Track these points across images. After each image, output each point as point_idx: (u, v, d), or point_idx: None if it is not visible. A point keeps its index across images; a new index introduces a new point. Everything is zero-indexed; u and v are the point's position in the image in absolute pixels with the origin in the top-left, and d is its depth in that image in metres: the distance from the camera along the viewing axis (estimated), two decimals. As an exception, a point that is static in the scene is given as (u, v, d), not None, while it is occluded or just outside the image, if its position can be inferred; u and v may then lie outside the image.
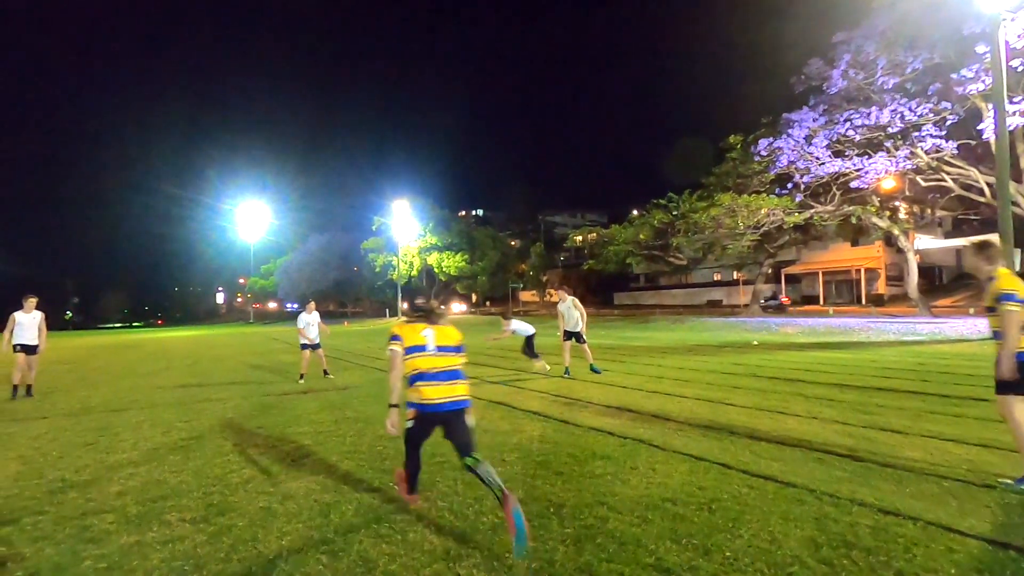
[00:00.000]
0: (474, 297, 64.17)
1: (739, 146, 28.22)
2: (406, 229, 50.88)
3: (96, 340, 31.86)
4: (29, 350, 8.59)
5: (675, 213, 31.04)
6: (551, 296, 9.55)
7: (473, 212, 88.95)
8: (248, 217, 65.00)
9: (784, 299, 37.24)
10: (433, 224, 53.28)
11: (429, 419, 3.12)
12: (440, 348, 3.15)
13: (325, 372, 10.01)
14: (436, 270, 53.61)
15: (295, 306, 61.81)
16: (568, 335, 9.17)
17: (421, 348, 3.12)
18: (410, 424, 3.16)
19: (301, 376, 9.53)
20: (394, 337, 3.18)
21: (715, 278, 49.64)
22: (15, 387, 8.41)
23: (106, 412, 7.06)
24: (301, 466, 4.32)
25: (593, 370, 9.09)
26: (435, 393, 3.05)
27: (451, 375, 3.12)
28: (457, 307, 58.10)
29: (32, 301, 8.74)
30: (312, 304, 10.18)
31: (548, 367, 9.64)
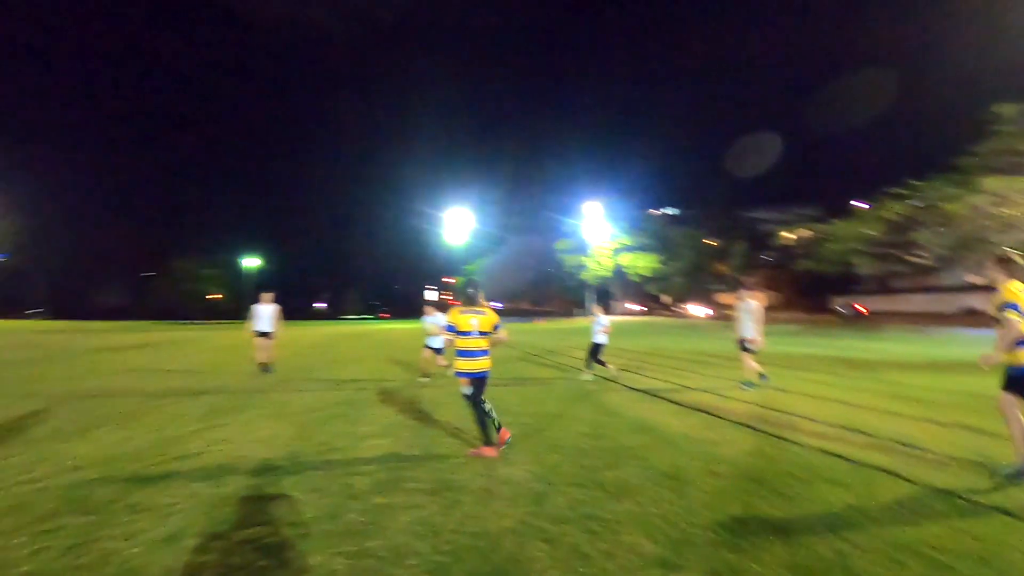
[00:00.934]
0: (665, 299, 61.88)
1: (1009, 118, 22.37)
2: (597, 230, 51.29)
3: (338, 329, 38.33)
4: (265, 335, 10.29)
5: (917, 204, 25.90)
6: (738, 299, 8.58)
7: (666, 211, 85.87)
8: (454, 222, 72.42)
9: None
10: (625, 224, 52.82)
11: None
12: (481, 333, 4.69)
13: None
14: (628, 270, 53.04)
15: (499, 305, 66.70)
16: (744, 342, 8.17)
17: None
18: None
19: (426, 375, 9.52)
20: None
21: (969, 281, 40.05)
22: (259, 364, 10.30)
23: (353, 389, 8.46)
24: (512, 454, 4.64)
25: (747, 385, 8.08)
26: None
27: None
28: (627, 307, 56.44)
29: (268, 296, 10.36)
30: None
31: (591, 377, 9.35)
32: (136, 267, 72.11)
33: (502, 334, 4.85)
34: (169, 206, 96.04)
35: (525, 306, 73.09)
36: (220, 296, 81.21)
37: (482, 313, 4.75)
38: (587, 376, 9.53)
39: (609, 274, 53.90)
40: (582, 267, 53.62)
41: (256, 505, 3.48)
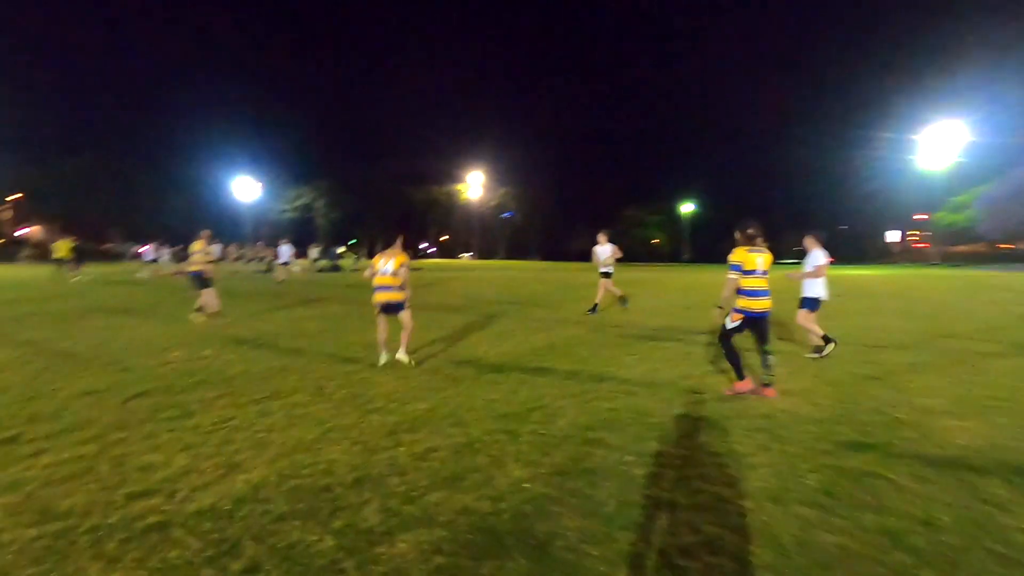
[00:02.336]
0: None
1: None
2: None
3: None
4: (605, 276, 10.84)
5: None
6: None
7: None
8: (934, 142, 56.79)
9: None
10: None
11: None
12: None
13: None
14: None
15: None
16: None
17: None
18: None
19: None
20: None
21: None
22: (595, 305, 10.94)
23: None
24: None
25: None
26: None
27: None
28: None
29: (603, 236, 10.85)
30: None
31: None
32: (599, 216, 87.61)
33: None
34: (622, 162, 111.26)
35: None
36: (657, 240, 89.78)
37: (765, 252, 4.94)
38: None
39: None
40: None
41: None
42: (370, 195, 73.58)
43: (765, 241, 5.00)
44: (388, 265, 6.16)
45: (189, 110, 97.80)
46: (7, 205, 54.94)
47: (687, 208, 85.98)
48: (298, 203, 72.68)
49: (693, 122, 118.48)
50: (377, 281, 6.18)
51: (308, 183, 72.30)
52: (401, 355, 6.28)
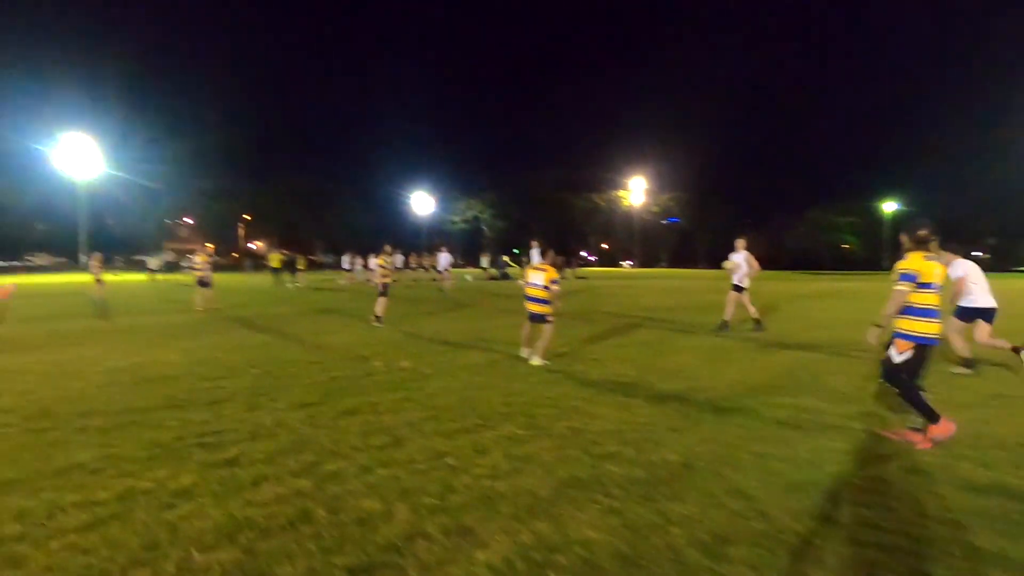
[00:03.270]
0: None
1: None
2: None
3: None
4: (738, 289, 9.57)
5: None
6: None
7: None
8: None
9: None
10: None
11: None
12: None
13: None
14: None
15: None
16: None
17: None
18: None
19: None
20: None
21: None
22: (725, 322, 9.47)
23: None
24: None
25: None
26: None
27: None
28: None
29: (740, 242, 9.75)
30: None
31: None
32: (773, 219, 78.36)
33: None
34: (805, 158, 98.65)
35: None
36: (849, 245, 77.93)
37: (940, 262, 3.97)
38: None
39: None
40: None
41: None
42: (533, 205, 75.16)
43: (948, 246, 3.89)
44: (538, 279, 6.62)
45: (379, 135, 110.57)
46: (241, 224, 66.48)
47: (888, 207, 73.53)
48: (468, 215, 76.99)
49: (900, 107, 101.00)
50: (528, 292, 6.73)
51: (476, 195, 76.27)
52: (535, 360, 6.64)
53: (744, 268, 9.53)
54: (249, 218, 66.39)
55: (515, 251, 69.02)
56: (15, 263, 54.09)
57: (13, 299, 12.41)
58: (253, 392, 5.38)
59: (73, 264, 52.04)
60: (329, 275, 31.71)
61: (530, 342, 6.88)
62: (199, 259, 14.54)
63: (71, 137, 46.35)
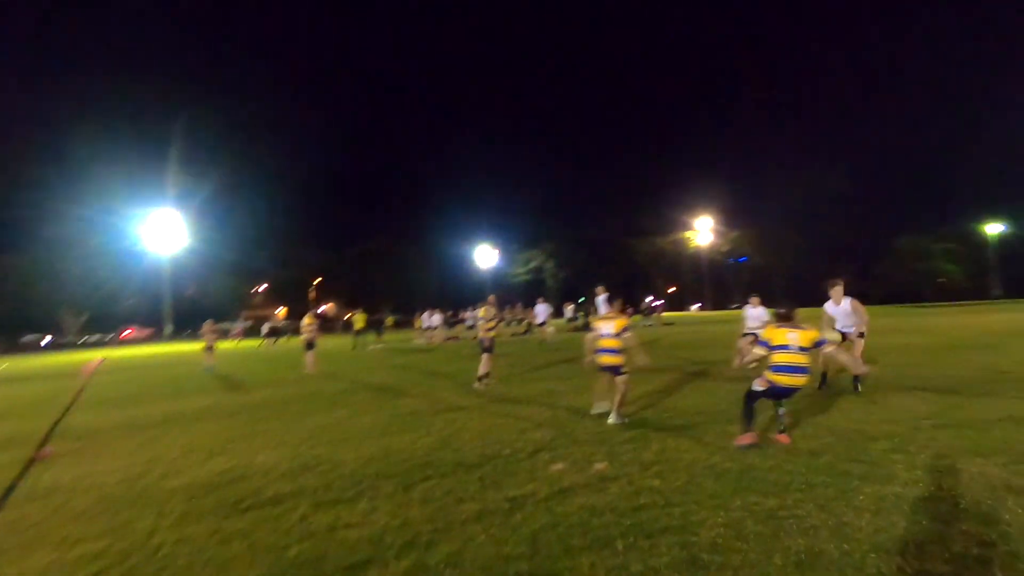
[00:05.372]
0: None
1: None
2: None
3: None
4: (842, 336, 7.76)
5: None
6: None
7: None
8: None
9: None
10: None
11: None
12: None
13: None
14: None
15: None
16: None
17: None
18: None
19: None
20: None
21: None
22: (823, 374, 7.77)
23: None
24: None
25: None
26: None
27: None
28: None
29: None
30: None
31: None
32: (861, 251, 72.51)
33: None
34: (890, 185, 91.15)
35: None
36: (945, 277, 70.44)
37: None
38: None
39: None
40: None
41: None
42: (596, 252, 73.26)
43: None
44: (608, 328, 6.22)
45: (443, 192, 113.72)
46: (313, 288, 67.94)
47: (992, 229, 66.58)
48: (531, 266, 75.85)
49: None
50: (600, 344, 6.25)
51: (537, 246, 75.25)
52: (613, 418, 6.06)
53: (842, 318, 8.08)
54: (320, 281, 67.84)
55: (581, 300, 66.78)
56: (104, 335, 56.90)
57: (95, 375, 11.39)
58: (398, 535, 3.43)
59: (159, 335, 54.08)
60: (408, 333, 30.36)
61: (603, 394, 6.49)
62: (306, 321, 13.99)
63: (158, 214, 49.13)
